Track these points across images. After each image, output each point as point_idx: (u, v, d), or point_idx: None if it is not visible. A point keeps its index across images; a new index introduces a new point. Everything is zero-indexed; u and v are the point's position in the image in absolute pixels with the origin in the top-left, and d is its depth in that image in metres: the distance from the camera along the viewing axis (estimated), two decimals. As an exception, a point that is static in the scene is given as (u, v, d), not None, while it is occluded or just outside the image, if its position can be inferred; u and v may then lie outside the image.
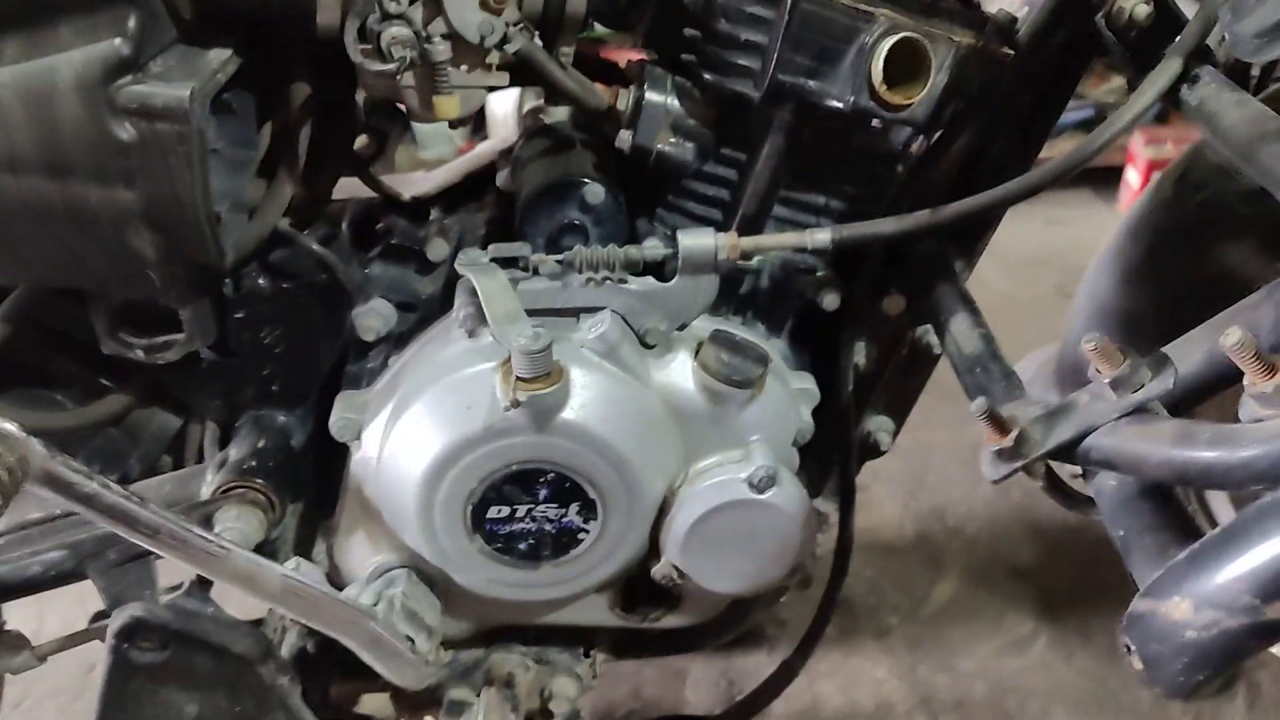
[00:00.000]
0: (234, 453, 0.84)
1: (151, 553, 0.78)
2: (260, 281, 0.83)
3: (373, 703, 1.03)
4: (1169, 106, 0.76)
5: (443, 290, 0.87)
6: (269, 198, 0.79)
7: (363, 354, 0.87)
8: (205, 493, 0.81)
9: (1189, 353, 0.63)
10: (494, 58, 0.74)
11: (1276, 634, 0.44)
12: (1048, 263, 2.61)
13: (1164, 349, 0.64)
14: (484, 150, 0.99)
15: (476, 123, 1.30)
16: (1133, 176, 2.67)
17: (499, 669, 0.90)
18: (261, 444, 0.85)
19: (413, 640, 0.77)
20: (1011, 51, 0.76)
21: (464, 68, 0.74)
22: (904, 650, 1.68)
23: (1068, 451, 0.64)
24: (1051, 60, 0.81)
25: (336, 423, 0.81)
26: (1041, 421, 0.65)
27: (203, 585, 0.86)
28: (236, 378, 0.87)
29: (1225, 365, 0.63)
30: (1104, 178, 2.85)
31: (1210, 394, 0.63)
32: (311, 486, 0.91)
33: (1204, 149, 1.09)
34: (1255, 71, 0.96)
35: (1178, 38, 0.74)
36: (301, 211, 0.85)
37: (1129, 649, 0.50)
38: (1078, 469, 0.69)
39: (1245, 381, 0.55)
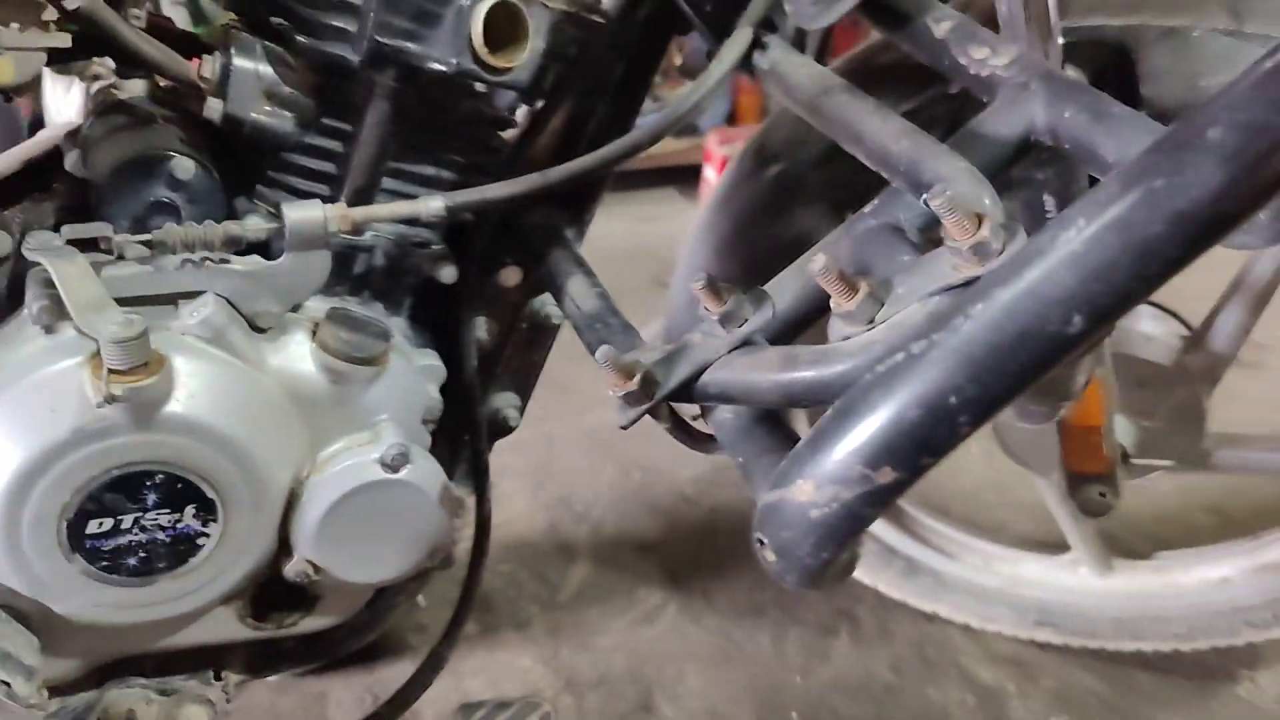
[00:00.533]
0: None
1: None
2: None
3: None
4: (744, 72, 0.83)
5: (9, 290, 0.77)
6: None
7: (-91, 369, 0.75)
8: None
9: (784, 289, 0.69)
10: (51, 14, 0.66)
11: (886, 498, 0.49)
12: (642, 256, 2.76)
13: (762, 287, 0.69)
14: (44, 137, 0.88)
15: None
16: (710, 174, 2.90)
17: (116, 708, 0.80)
18: None
19: (8, 684, 0.66)
20: (602, 20, 0.80)
21: (15, 25, 0.65)
22: (545, 637, 1.71)
23: (687, 389, 0.67)
24: (639, 30, 0.85)
25: (-117, 449, 0.68)
26: (661, 364, 0.68)
27: None
28: None
29: (815, 296, 0.69)
30: (686, 177, 3.08)
31: (806, 325, 0.69)
32: None
33: (775, 124, 1.20)
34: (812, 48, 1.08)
35: (747, 9, 0.80)
36: None
37: (761, 543, 0.54)
38: (698, 410, 0.73)
39: (832, 304, 0.61)
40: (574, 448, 2.20)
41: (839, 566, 0.51)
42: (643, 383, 0.67)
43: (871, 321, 0.59)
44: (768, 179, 1.17)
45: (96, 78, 0.95)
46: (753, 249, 1.21)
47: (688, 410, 0.74)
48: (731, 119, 3.06)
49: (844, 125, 0.72)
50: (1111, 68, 0.94)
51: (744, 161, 1.20)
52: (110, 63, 0.82)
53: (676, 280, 1.34)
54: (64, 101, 2.15)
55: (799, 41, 0.93)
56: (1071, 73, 0.92)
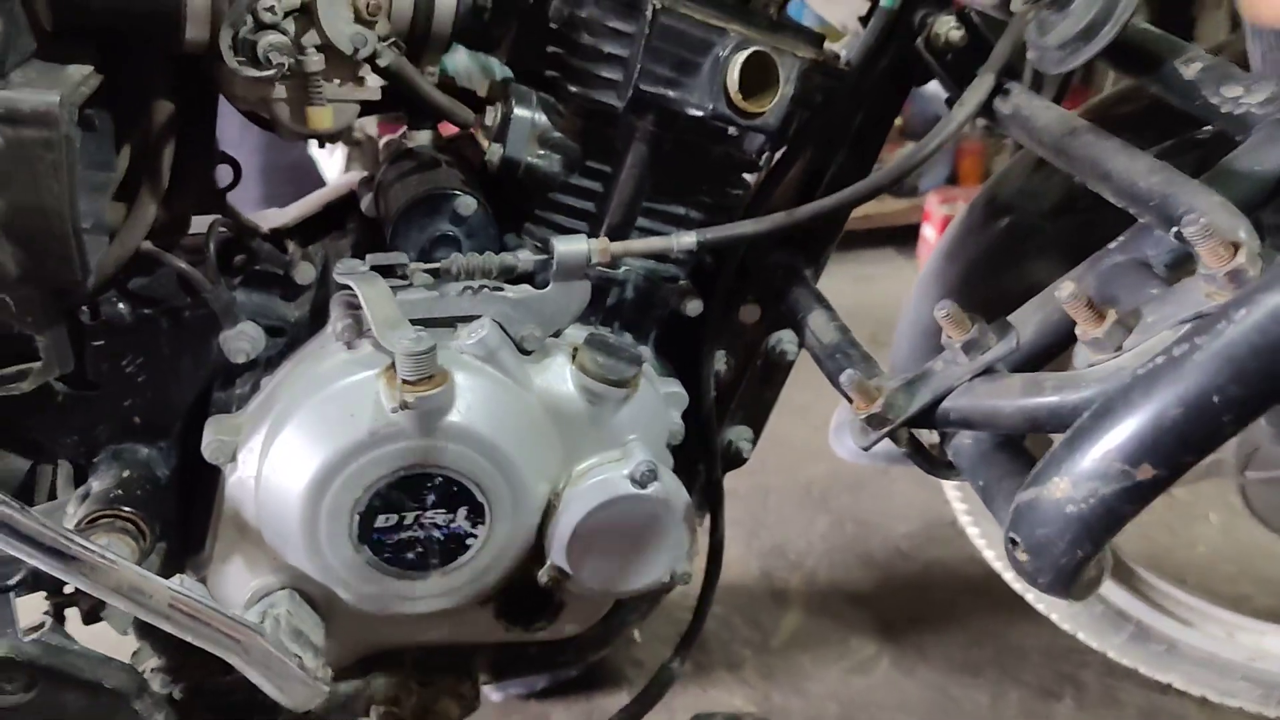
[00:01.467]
0: (97, 484, 0.81)
1: (8, 590, 0.74)
2: (120, 307, 0.81)
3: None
4: (985, 118, 0.85)
5: (311, 315, 0.87)
6: (131, 218, 0.78)
7: (230, 380, 0.86)
8: (70, 525, 0.78)
9: (1027, 319, 0.70)
10: (364, 71, 0.76)
11: (1146, 495, 0.49)
12: (859, 315, 2.74)
13: (1005, 318, 0.71)
14: (341, 183, 1.00)
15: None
16: (929, 233, 2.88)
17: (382, 693, 0.88)
18: (126, 475, 0.82)
19: (300, 658, 0.75)
20: (847, 69, 0.84)
21: (336, 80, 0.75)
22: (757, 679, 1.72)
23: (928, 414, 0.69)
24: (881, 80, 0.89)
25: (210, 446, 0.79)
26: (903, 389, 0.70)
27: (61, 622, 0.82)
28: (95, 410, 0.84)
29: (1059, 328, 0.71)
30: (904, 237, 3.07)
31: (1049, 357, 0.70)
32: (175, 525, 0.88)
33: (1006, 177, 1.20)
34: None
35: (989, 57, 0.83)
36: (162, 236, 0.83)
37: (1014, 542, 0.55)
38: (935, 438, 0.75)
39: (1078, 331, 0.62)
40: (788, 499, 2.22)
41: (1089, 575, 0.52)
42: (885, 406, 0.70)
43: (1119, 349, 0.60)
44: (999, 229, 1.18)
45: (357, 143, 1.07)
46: (981, 298, 1.21)
47: (926, 438, 0.76)
48: (953, 180, 3.04)
49: (1091, 163, 0.73)
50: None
51: (974, 212, 1.21)
52: (367, 128, 0.92)
53: (901, 327, 1.35)
54: (328, 161, 2.37)
55: (1035, 90, 0.94)
56: (1330, 113, 0.90)
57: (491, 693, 1.60)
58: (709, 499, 0.99)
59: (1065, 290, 0.61)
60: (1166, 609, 1.55)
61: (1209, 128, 0.90)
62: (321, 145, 0.83)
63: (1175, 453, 0.47)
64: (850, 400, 0.72)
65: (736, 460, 1.03)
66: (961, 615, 1.83)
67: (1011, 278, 1.19)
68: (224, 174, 0.90)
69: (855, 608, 1.90)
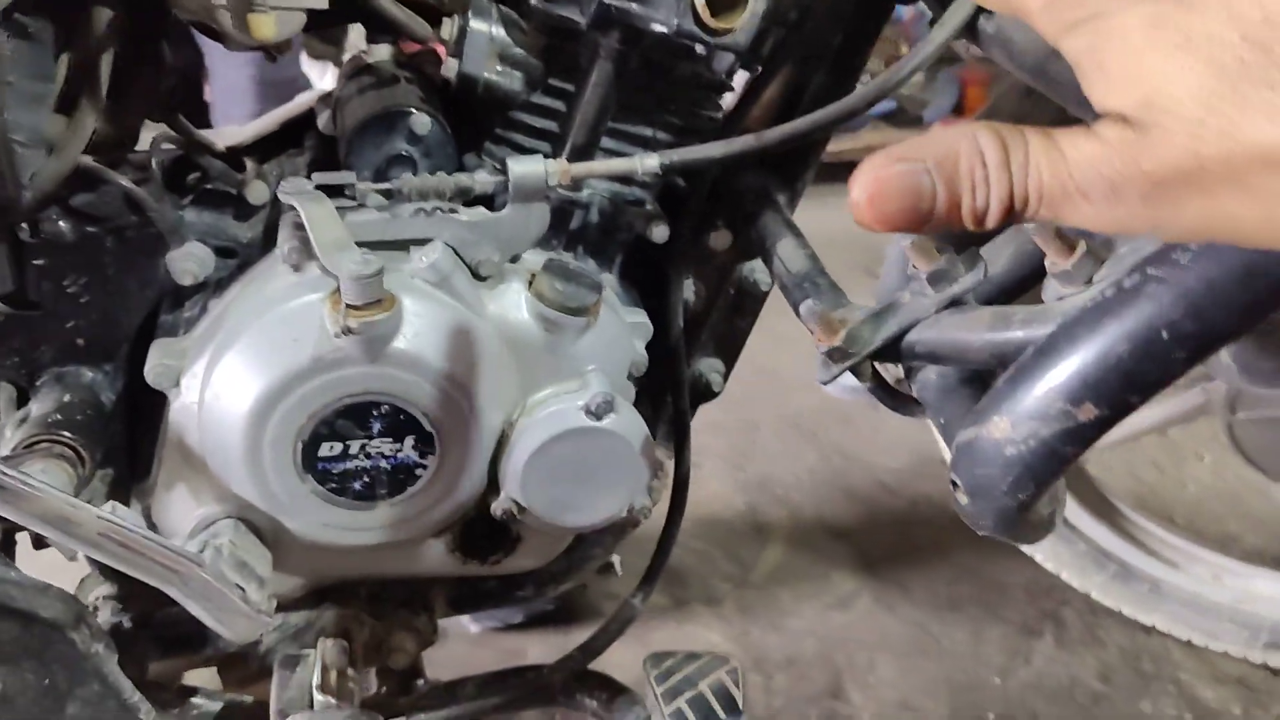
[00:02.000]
0: (36, 408, 0.79)
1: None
2: (62, 225, 0.78)
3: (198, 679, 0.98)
4: (968, 39, 0.81)
5: (263, 235, 0.84)
6: (70, 131, 0.75)
7: (178, 302, 0.83)
8: (4, 450, 0.76)
9: (998, 251, 0.67)
10: (312, -22, 0.72)
11: (1088, 436, 0.47)
12: (854, 245, 2.71)
13: (976, 249, 0.68)
14: (301, 100, 0.96)
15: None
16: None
17: (333, 625, 0.87)
18: (67, 399, 0.80)
19: (243, 589, 0.73)
20: (824, -17, 0.80)
21: (281, -13, 0.71)
22: (736, 615, 1.72)
23: (894, 347, 0.66)
24: (859, -2, 0.85)
25: (153, 370, 0.76)
26: (869, 321, 0.68)
27: (10, 547, 0.81)
28: (36, 331, 0.81)
29: (1030, 259, 0.68)
30: (903, 168, 3.01)
31: (1021, 290, 0.68)
32: (121, 451, 0.86)
33: (998, 104, 1.16)
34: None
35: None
36: (107, 151, 0.80)
37: (955, 484, 0.53)
38: (901, 374, 0.72)
39: (1047, 263, 0.59)
40: (775, 432, 2.20)
41: (1038, 517, 0.50)
42: (848, 338, 0.67)
43: (1089, 281, 0.57)
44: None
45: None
46: (968, 233, 1.18)
47: (893, 372, 0.73)
48: (959, 111, 2.97)
49: (1073, 88, 0.69)
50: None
51: (965, 139, 1.17)
52: (362, 53, 0.88)
53: (887, 262, 1.32)
54: (320, 76, 2.32)
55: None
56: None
57: (470, 624, 1.60)
58: (676, 431, 0.96)
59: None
60: (1151, 549, 1.54)
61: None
62: (271, 59, 0.79)
63: (1120, 391, 0.45)
64: (812, 332, 0.69)
65: (707, 393, 1.00)
66: (944, 551, 1.82)
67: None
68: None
69: (838, 543, 1.89)
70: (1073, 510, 1.50)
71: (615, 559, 1.09)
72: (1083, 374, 0.45)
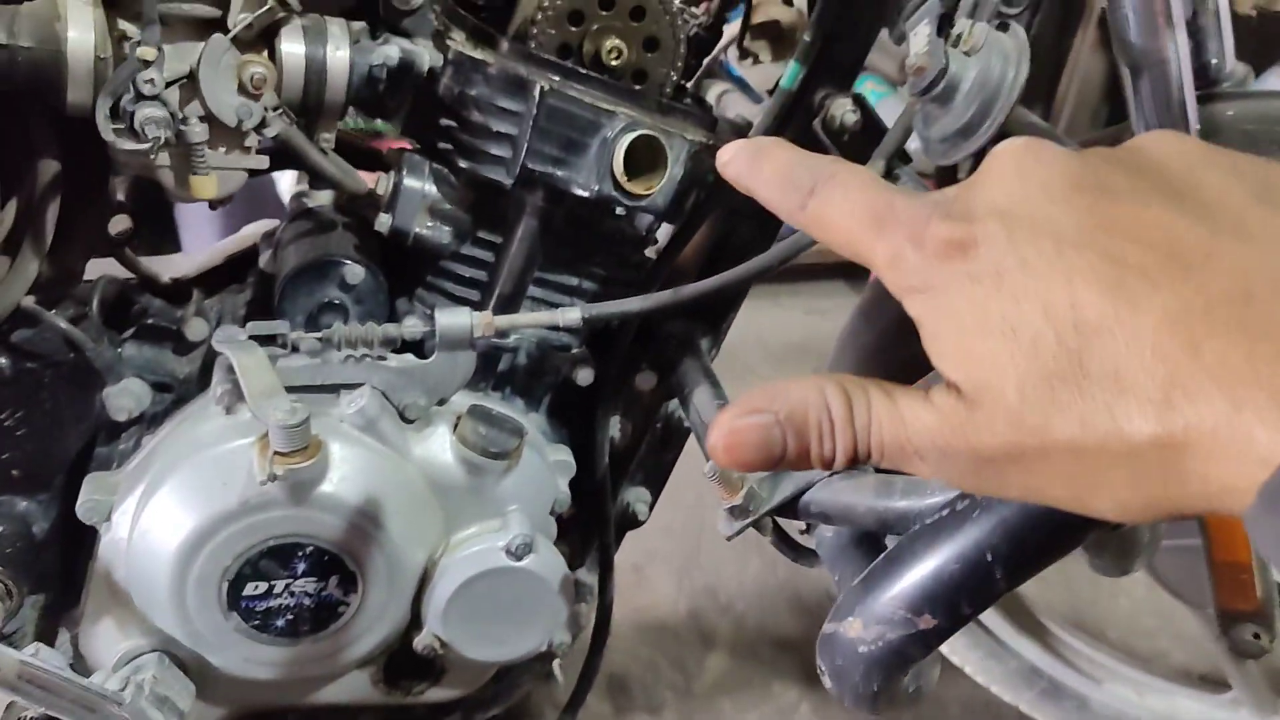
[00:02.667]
0: (-34, 540, 0.81)
1: None
2: (1, 361, 0.81)
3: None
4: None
5: (200, 371, 0.87)
6: (11, 275, 0.78)
7: (114, 436, 0.85)
8: (-67, 583, 0.77)
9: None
10: (252, 140, 0.76)
11: (930, 641, 0.50)
12: (809, 350, 2.78)
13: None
14: (246, 233, 1.00)
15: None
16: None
17: (257, 755, 0.88)
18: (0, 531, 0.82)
19: (162, 725, 0.74)
20: (740, 149, 0.85)
21: (222, 149, 0.75)
22: (677, 724, 1.72)
23: (790, 506, 0.70)
24: (777, 158, 0.90)
25: (84, 505, 0.79)
26: (767, 481, 0.71)
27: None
28: (-29, 463, 0.83)
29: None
30: (854, 271, 3.08)
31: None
32: (54, 578, 0.87)
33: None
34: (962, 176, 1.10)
35: (881, 142, 0.84)
36: (48, 290, 0.83)
37: (821, 670, 0.56)
38: (803, 524, 0.76)
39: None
40: (723, 538, 2.21)
41: (901, 695, 0.53)
42: (748, 496, 0.71)
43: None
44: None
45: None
46: (895, 362, 1.22)
47: (794, 525, 0.77)
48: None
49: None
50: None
51: (890, 275, 1.22)
52: (304, 197, 0.92)
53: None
54: (287, 189, 2.36)
55: (949, 170, 0.96)
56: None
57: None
58: (600, 563, 0.99)
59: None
60: (1078, 666, 1.57)
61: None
62: (213, 207, 0.83)
63: (953, 605, 0.48)
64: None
65: (633, 522, 1.03)
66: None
67: (921, 347, 1.20)
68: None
69: (781, 652, 1.91)
70: (1004, 629, 1.53)
71: (556, 666, 1.10)
72: (921, 587, 0.49)
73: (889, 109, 0.95)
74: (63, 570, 0.88)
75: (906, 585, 0.50)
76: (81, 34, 0.69)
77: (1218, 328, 0.33)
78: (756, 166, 0.49)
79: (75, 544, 0.87)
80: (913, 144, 0.87)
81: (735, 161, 0.50)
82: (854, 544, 0.70)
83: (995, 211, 0.38)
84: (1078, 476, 0.36)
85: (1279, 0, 2.80)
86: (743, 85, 1.20)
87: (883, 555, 0.53)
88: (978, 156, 0.82)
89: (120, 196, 0.88)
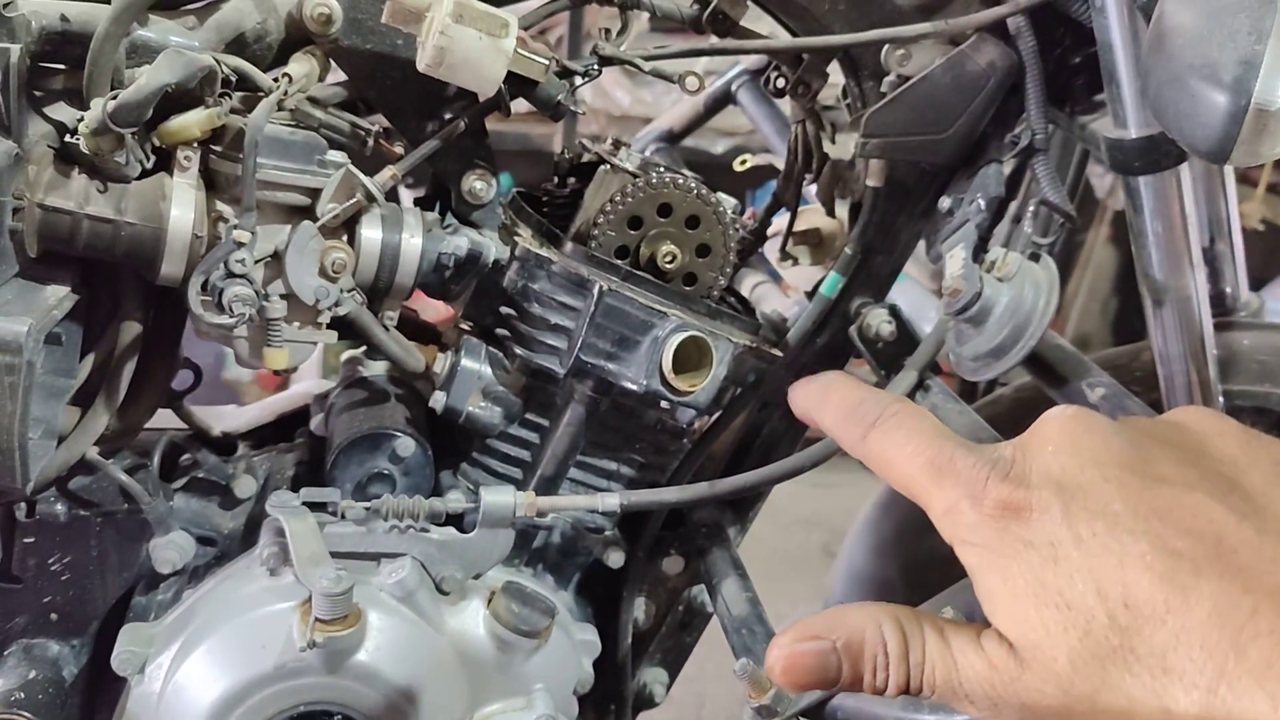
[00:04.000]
0: (1, 683, 0.82)
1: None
2: (58, 507, 0.84)
3: None
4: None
5: (245, 528, 0.90)
6: (82, 427, 0.81)
7: (153, 586, 0.88)
8: (-35, 725, 0.78)
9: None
10: (325, 318, 0.80)
11: None
12: (816, 523, 2.79)
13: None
14: (297, 393, 1.04)
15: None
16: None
17: None
18: (32, 675, 0.83)
19: None
20: (780, 353, 0.89)
21: (296, 324, 0.80)
22: None
23: (817, 711, 0.71)
24: (816, 356, 0.94)
25: (120, 656, 0.80)
26: (796, 682, 0.73)
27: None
28: (13, 604, 0.85)
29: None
30: (866, 448, 3.11)
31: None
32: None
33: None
34: (982, 385, 1.14)
35: (914, 354, 0.89)
36: (109, 441, 0.87)
37: None
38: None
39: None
40: (724, 710, 2.19)
41: None
42: (776, 698, 0.72)
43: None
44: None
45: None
46: (911, 553, 1.25)
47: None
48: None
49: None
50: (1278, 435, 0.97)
51: (910, 469, 1.26)
52: (359, 365, 0.96)
53: (835, 574, 1.38)
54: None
55: (968, 384, 1.00)
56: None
57: None
58: (616, 744, 0.99)
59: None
60: None
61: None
62: (278, 375, 0.87)
63: None
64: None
65: (649, 703, 1.04)
66: None
67: (940, 542, 1.23)
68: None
69: (777, 838, 1.86)
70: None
71: None
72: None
73: (904, 290, 1.00)
74: (86, 716, 0.88)
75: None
76: (183, 213, 0.74)
77: (1263, 628, 0.36)
78: (823, 396, 0.53)
79: (100, 693, 0.88)
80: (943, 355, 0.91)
81: (804, 397, 0.54)
82: (878, 754, 0.71)
83: (1050, 482, 0.41)
84: None
85: (1285, 215, 2.91)
86: (774, 275, 1.26)
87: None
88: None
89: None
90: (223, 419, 1.00)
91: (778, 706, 0.72)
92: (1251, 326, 1.04)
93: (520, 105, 0.87)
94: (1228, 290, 1.10)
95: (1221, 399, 0.93)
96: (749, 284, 1.20)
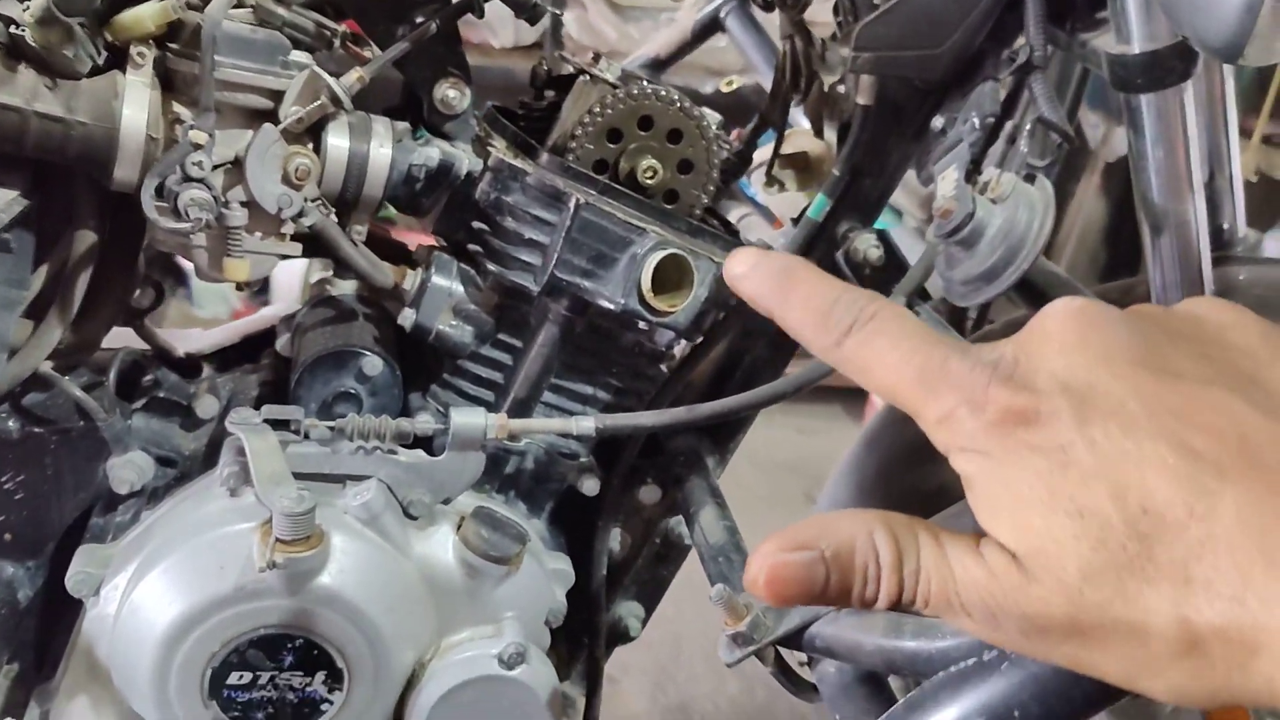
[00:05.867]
0: (-49, 604, 0.79)
1: None
2: (10, 424, 0.81)
3: None
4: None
5: (206, 449, 0.86)
6: (34, 340, 0.78)
7: (111, 507, 0.84)
8: (-87, 646, 0.75)
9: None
10: (288, 228, 0.77)
11: None
12: (798, 469, 2.78)
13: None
14: (265, 315, 1.00)
15: (260, 287, 1.31)
16: (877, 398, 2.92)
17: None
18: (-17, 596, 0.80)
19: (128, 813, 0.72)
20: (764, 275, 0.86)
21: (258, 234, 0.76)
22: None
23: (795, 638, 0.69)
24: (798, 286, 0.91)
25: (75, 577, 0.77)
26: (774, 610, 0.70)
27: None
28: (-35, 524, 0.82)
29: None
30: (852, 397, 3.10)
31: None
32: (32, 648, 0.85)
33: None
34: (972, 314, 1.12)
35: (902, 279, 0.86)
36: (66, 356, 0.83)
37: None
38: (804, 658, 0.75)
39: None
40: (700, 652, 2.19)
41: None
42: (752, 624, 0.70)
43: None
44: (916, 427, 1.20)
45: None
46: (894, 493, 1.22)
47: (795, 656, 0.76)
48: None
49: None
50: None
51: (896, 408, 1.23)
52: (327, 284, 0.93)
53: (819, 509, 1.36)
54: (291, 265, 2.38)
55: (957, 312, 0.97)
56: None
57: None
58: (588, 676, 0.97)
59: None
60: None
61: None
62: (239, 289, 0.84)
63: None
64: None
65: (624, 637, 1.02)
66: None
67: (925, 474, 1.20)
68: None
69: (754, 779, 1.86)
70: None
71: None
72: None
73: (894, 237, 0.97)
74: (41, 641, 0.86)
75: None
76: (136, 113, 0.70)
77: None
78: (785, 289, 0.47)
79: (56, 615, 0.85)
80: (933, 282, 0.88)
81: (756, 277, 0.48)
82: (858, 683, 0.69)
83: (1057, 382, 0.38)
84: (1135, 659, 0.35)
85: (1278, 166, 2.88)
86: (761, 210, 1.23)
87: (903, 701, 0.53)
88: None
89: (145, 269, 0.89)
90: (187, 341, 0.96)
91: (754, 634, 0.70)
92: (1249, 260, 1.02)
93: (505, 40, 0.83)
94: (1225, 226, 1.07)
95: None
96: (735, 215, 1.17)
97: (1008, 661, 0.47)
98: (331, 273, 0.94)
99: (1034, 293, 0.85)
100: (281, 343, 0.92)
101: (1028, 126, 0.83)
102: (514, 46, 2.36)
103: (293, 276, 1.49)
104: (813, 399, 3.22)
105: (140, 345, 0.91)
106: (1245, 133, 2.80)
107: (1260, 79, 2.77)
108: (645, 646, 2.12)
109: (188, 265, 0.83)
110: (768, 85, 1.15)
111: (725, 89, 1.20)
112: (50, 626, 0.85)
